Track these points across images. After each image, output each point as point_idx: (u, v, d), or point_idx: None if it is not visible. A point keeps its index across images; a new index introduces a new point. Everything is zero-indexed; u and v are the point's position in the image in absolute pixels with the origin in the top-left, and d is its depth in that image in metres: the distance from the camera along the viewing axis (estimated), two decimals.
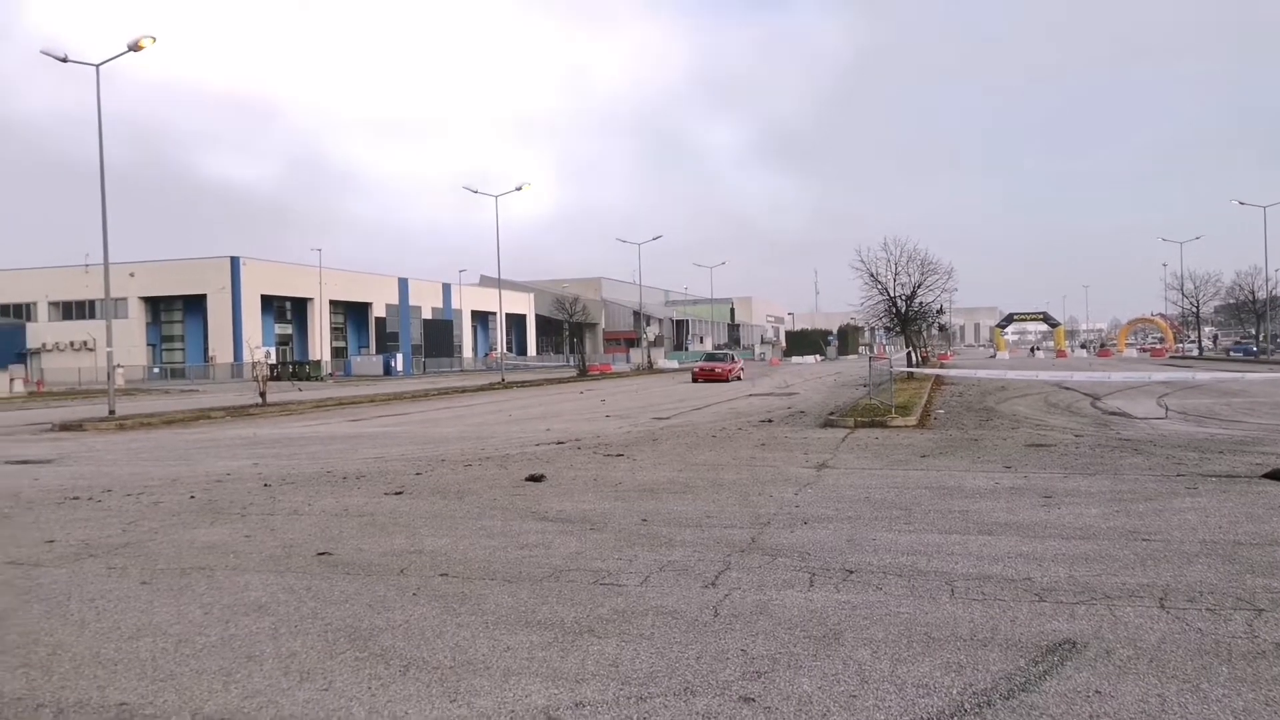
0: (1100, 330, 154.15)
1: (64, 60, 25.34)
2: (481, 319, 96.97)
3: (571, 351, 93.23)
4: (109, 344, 28.23)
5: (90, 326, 67.22)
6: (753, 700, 3.87)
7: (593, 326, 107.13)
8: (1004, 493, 9.23)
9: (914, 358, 47.10)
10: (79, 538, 7.82)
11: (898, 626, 4.83)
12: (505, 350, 73.64)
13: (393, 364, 71.56)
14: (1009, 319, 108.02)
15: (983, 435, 15.25)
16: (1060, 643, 4.53)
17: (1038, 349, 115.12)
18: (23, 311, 72.75)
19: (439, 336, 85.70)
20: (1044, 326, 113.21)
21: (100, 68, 25.72)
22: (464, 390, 39.82)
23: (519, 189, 53.36)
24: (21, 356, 65.14)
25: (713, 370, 43.01)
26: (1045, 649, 4.45)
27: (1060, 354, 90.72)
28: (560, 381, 49.70)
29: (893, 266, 40.74)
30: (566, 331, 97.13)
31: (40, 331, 70.60)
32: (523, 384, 45.80)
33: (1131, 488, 9.39)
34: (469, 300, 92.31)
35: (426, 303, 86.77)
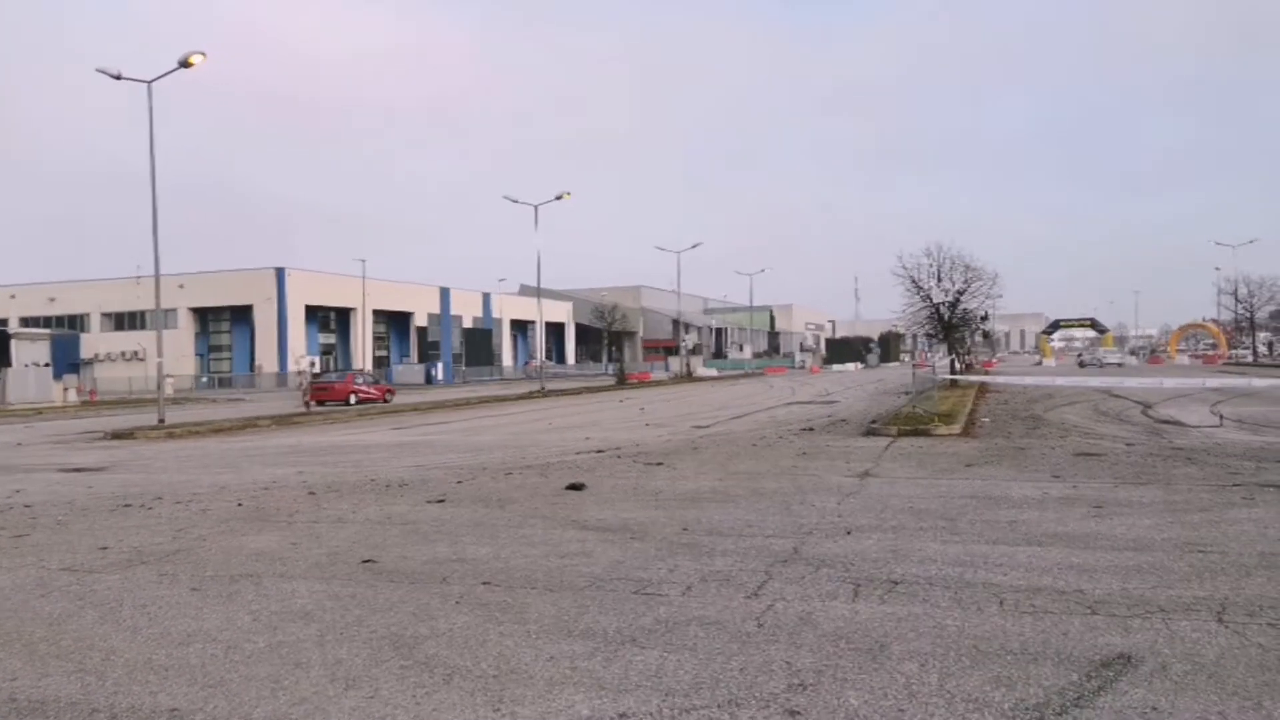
0: (1150, 336, 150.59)
1: (118, 78, 26.04)
2: (521, 328, 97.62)
3: (610, 360, 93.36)
4: (159, 354, 28.91)
5: (141, 337, 69.06)
6: (798, 714, 3.83)
7: (631, 335, 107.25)
8: (1053, 502, 9.04)
9: (957, 365, 46.53)
10: (131, 545, 7.98)
11: (945, 639, 4.75)
12: (545, 359, 73.97)
13: (434, 373, 72.42)
14: (1055, 325, 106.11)
15: (1030, 444, 14.98)
16: (1115, 657, 4.42)
17: (1094, 360, 77.88)
18: (77, 323, 74.77)
19: (479, 345, 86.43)
20: (1092, 333, 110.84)
21: (152, 84, 26.40)
22: (504, 399, 40.07)
23: (559, 198, 53.55)
24: (75, 367, 66.91)
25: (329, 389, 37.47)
26: (1099, 663, 4.34)
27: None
28: (599, 390, 49.82)
29: (935, 273, 40.29)
30: (605, 340, 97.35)
31: (93, 342, 72.42)
32: (562, 392, 45.98)
33: (1185, 498, 9.15)
34: (509, 309, 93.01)
35: (467, 312, 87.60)
